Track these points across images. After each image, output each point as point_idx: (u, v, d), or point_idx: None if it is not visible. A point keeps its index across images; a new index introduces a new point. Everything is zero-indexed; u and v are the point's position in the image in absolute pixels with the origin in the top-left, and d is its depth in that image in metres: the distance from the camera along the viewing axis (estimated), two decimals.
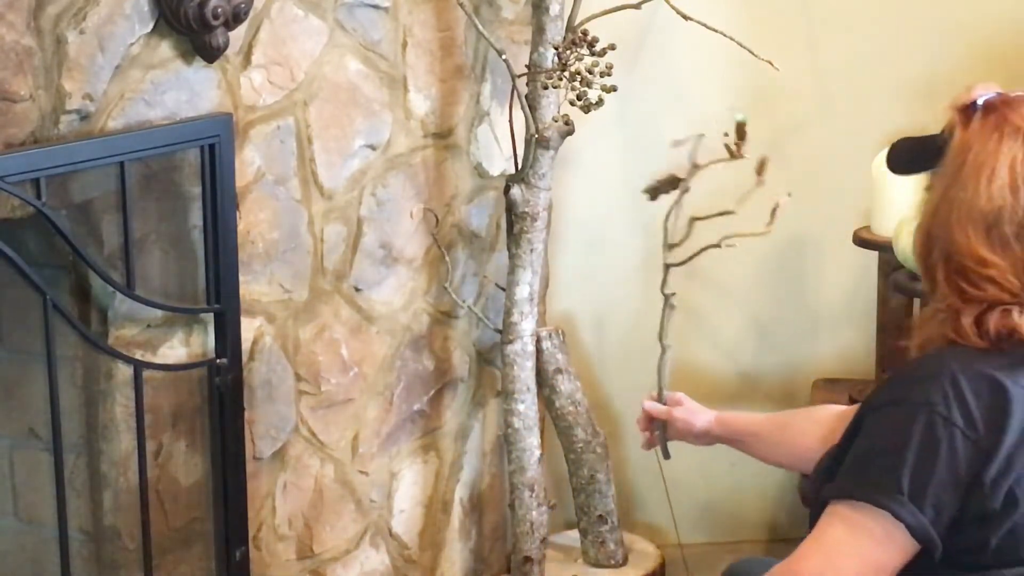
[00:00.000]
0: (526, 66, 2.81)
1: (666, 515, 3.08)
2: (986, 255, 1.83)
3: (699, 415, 2.52)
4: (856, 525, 1.78)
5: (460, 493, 3.06)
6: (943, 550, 1.78)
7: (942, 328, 1.86)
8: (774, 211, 2.79)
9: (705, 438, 2.52)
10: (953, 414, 1.77)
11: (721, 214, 2.75)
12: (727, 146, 2.75)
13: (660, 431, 2.57)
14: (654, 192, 2.77)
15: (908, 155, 1.99)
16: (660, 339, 2.84)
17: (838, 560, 1.79)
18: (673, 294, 2.85)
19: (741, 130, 2.76)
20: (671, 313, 2.84)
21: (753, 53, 2.74)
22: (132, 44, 2.14)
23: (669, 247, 2.83)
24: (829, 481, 1.88)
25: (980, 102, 1.87)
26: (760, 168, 2.81)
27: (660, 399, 2.61)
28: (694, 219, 2.79)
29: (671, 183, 2.79)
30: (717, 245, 2.77)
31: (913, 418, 1.78)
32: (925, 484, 1.76)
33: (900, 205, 2.77)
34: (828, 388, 3.23)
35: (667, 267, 2.82)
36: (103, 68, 2.10)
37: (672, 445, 2.60)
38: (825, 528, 1.81)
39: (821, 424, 2.27)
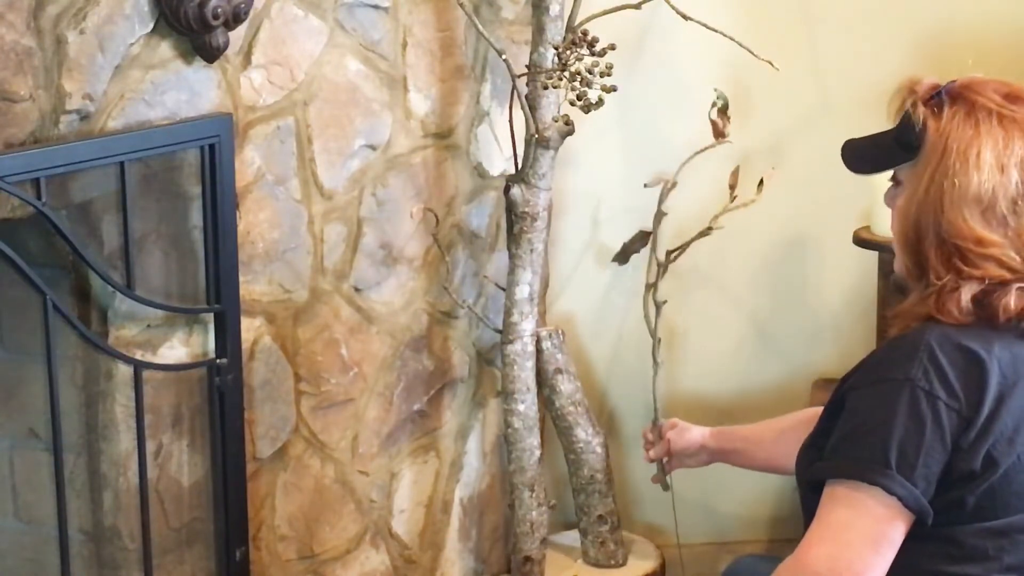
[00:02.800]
0: (526, 66, 2.81)
1: (666, 515, 3.07)
2: (984, 235, 1.91)
3: (691, 434, 2.61)
4: (855, 504, 1.84)
5: (460, 493, 3.06)
6: None
7: (923, 307, 1.94)
8: (760, 183, 2.83)
9: (701, 454, 2.60)
10: (935, 387, 1.85)
11: (700, 235, 2.80)
12: (713, 122, 2.79)
13: (660, 466, 2.71)
14: (624, 256, 2.83)
15: (872, 153, 2.07)
16: (653, 355, 2.93)
17: (845, 541, 1.84)
18: (664, 302, 2.91)
19: (723, 112, 2.79)
20: (659, 343, 2.95)
21: (753, 53, 2.74)
22: (132, 44, 2.14)
23: (659, 266, 2.93)
24: (815, 460, 1.94)
25: (944, 91, 1.97)
26: (759, 187, 2.83)
27: (655, 424, 2.77)
28: (670, 252, 2.86)
29: (640, 240, 2.84)
30: (708, 231, 2.81)
31: (897, 394, 1.86)
32: (914, 457, 1.83)
33: None
34: (828, 388, 3.20)
35: (651, 286, 2.88)
36: (103, 68, 2.10)
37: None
38: (826, 513, 1.87)
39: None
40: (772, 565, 2.22)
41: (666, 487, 2.80)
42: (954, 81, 2.01)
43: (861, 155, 2.10)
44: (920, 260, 1.96)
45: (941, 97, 1.98)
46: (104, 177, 2.16)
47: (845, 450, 1.89)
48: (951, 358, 1.87)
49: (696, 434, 2.61)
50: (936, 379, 1.85)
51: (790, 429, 2.42)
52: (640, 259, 3.30)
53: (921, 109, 1.98)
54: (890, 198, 2.06)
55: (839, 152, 2.13)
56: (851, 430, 1.90)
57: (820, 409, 2.34)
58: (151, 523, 2.30)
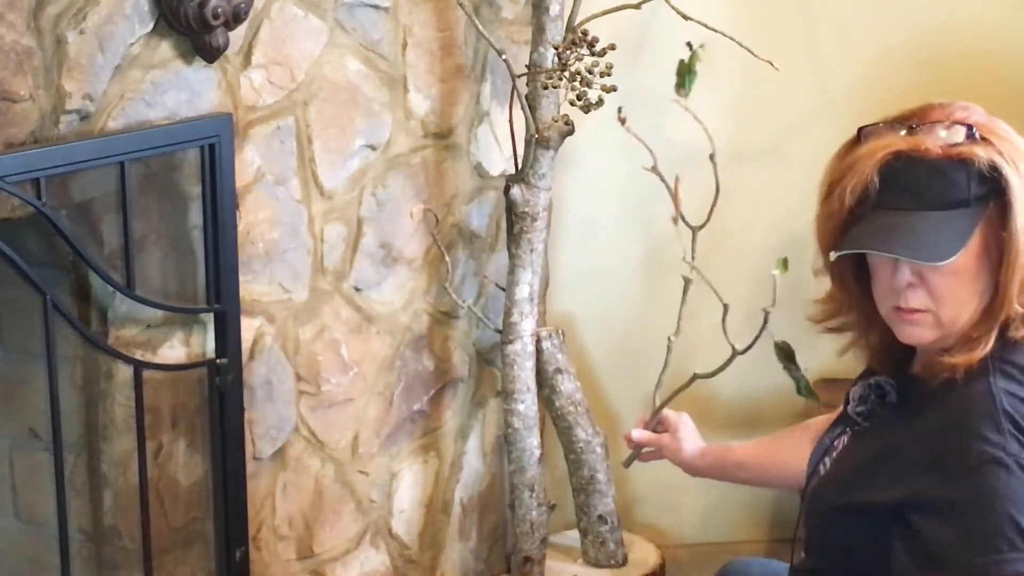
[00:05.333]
0: (526, 66, 2.81)
1: (666, 515, 3.08)
2: None
3: (686, 445, 2.52)
4: None
5: (460, 493, 3.06)
6: None
7: (972, 354, 1.86)
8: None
9: (691, 469, 2.54)
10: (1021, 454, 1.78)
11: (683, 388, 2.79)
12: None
13: (636, 451, 2.66)
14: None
15: (948, 227, 1.85)
16: (669, 338, 2.85)
17: None
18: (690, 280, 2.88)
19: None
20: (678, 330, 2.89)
21: (753, 53, 2.74)
22: (132, 44, 2.14)
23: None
24: (860, 486, 1.87)
25: (971, 127, 1.86)
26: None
27: (654, 418, 2.64)
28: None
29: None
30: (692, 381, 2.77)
31: (995, 476, 1.77)
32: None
33: None
34: (828, 388, 3.22)
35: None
36: (103, 68, 2.10)
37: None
38: None
39: (814, 431, 2.26)
40: (762, 569, 2.23)
41: (627, 465, 2.74)
42: (922, 122, 1.89)
43: (933, 241, 1.84)
44: (995, 310, 1.87)
45: (975, 134, 1.85)
46: (104, 177, 2.16)
47: (964, 548, 1.78)
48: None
49: (687, 451, 2.52)
50: (1015, 443, 1.78)
51: (787, 445, 2.38)
52: (641, 259, 3.30)
53: (980, 152, 1.83)
54: (918, 275, 1.88)
55: (885, 251, 1.88)
56: (963, 530, 1.78)
57: (820, 419, 2.33)
58: (151, 523, 2.30)
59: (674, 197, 2.88)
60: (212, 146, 2.27)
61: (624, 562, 3.12)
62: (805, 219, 3.24)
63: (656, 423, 2.64)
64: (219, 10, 2.18)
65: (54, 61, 2.03)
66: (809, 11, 3.18)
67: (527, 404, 2.91)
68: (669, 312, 3.18)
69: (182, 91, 2.24)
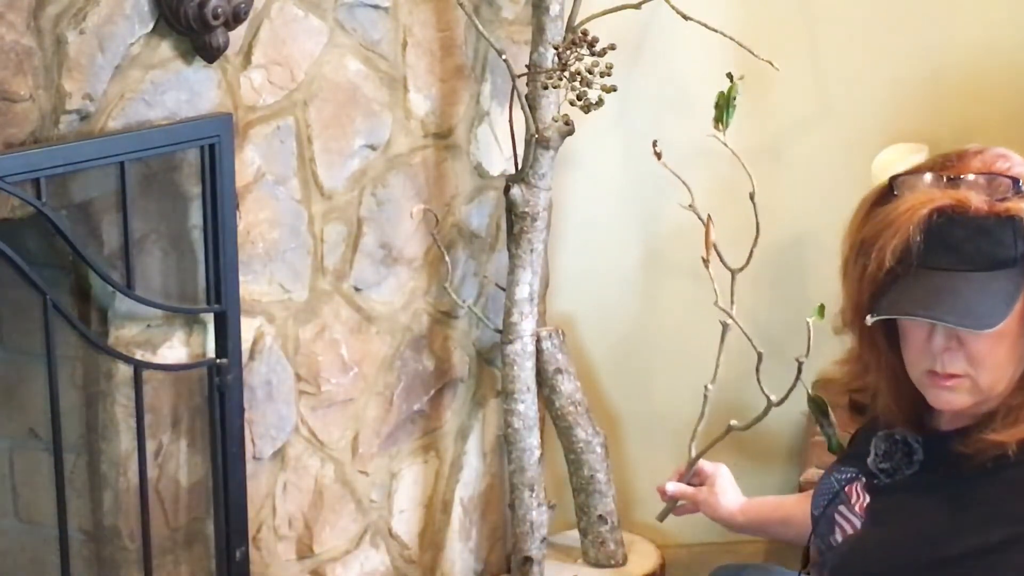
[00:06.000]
0: (526, 66, 2.81)
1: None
2: None
3: (724, 499, 2.34)
4: None
5: (460, 493, 3.06)
6: None
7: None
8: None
9: (730, 525, 2.36)
10: None
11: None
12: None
13: (671, 504, 2.45)
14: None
15: (996, 290, 1.75)
16: (706, 387, 2.73)
17: None
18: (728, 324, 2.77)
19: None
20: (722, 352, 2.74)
21: (753, 53, 2.74)
22: (132, 44, 2.14)
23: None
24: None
25: (1020, 183, 1.76)
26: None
27: (690, 470, 2.42)
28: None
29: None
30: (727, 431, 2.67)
31: None
32: None
33: None
34: (828, 388, 3.22)
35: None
36: (103, 68, 2.10)
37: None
38: None
39: None
40: (758, 573, 2.20)
41: (661, 519, 2.53)
42: (959, 174, 1.79)
43: (978, 305, 1.74)
44: None
45: (1020, 187, 1.76)
46: (104, 177, 2.16)
47: None
48: None
49: (726, 506, 2.33)
50: None
51: None
52: (641, 259, 3.30)
53: (1013, 203, 1.74)
54: (956, 339, 1.79)
55: (932, 318, 1.76)
56: None
57: None
58: (151, 523, 2.30)
59: (706, 237, 2.72)
60: (212, 146, 2.27)
61: (624, 562, 3.12)
62: (804, 219, 3.24)
63: (692, 475, 2.43)
64: (219, 10, 2.18)
65: (54, 61, 2.03)
66: (809, 11, 3.18)
67: (527, 404, 2.91)
68: (669, 312, 3.19)
69: (182, 91, 2.24)
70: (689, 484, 2.41)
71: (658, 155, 2.73)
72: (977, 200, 1.74)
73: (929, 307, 1.74)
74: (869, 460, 1.94)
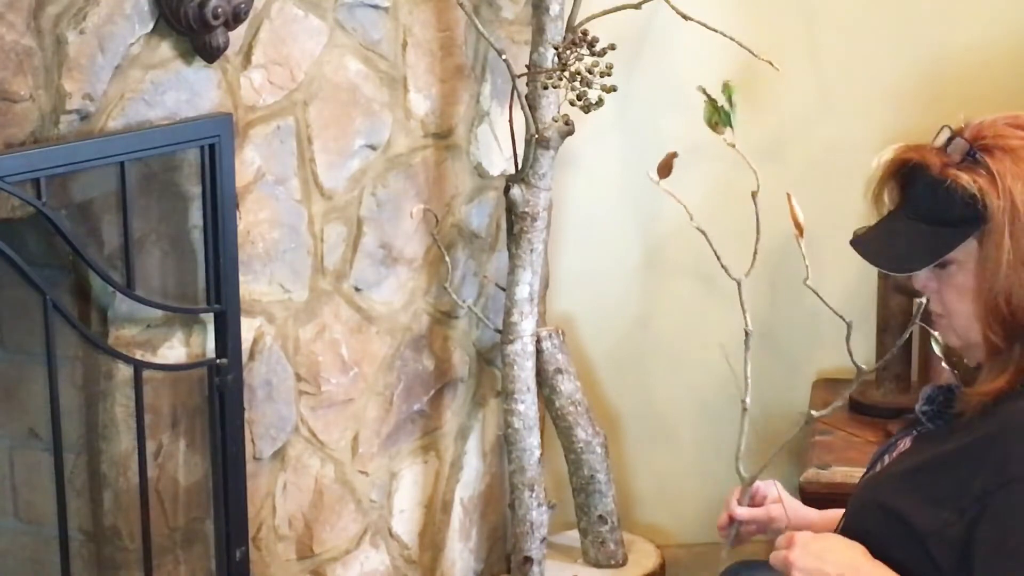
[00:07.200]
0: (526, 66, 2.81)
1: (666, 515, 3.08)
2: None
3: (801, 510, 2.30)
4: None
5: (460, 493, 3.06)
6: None
7: (1007, 379, 1.84)
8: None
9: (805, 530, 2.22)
10: None
11: None
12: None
13: (735, 529, 2.31)
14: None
15: (922, 243, 1.87)
16: (743, 401, 2.64)
17: None
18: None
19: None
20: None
21: (753, 53, 2.74)
22: (132, 44, 2.14)
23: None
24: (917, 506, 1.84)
25: (974, 149, 1.83)
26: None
27: (746, 493, 2.31)
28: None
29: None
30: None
31: None
32: None
33: None
34: (828, 388, 3.22)
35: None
36: (103, 68, 2.10)
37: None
38: None
39: None
40: (763, 573, 2.19)
41: (732, 546, 2.36)
42: (958, 134, 1.87)
43: (907, 251, 1.89)
44: (1013, 330, 1.84)
45: (975, 155, 1.83)
46: (104, 177, 2.16)
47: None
48: None
49: (807, 515, 2.27)
50: None
51: None
52: (641, 259, 3.30)
53: (964, 176, 1.82)
54: (935, 281, 1.90)
55: (862, 254, 1.93)
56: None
57: None
58: (151, 523, 2.30)
59: (792, 214, 2.67)
60: (212, 146, 2.27)
61: (624, 562, 3.12)
62: (804, 218, 3.23)
63: (750, 495, 2.32)
64: (219, 10, 2.18)
65: (54, 61, 2.03)
66: (809, 11, 3.18)
67: (527, 404, 2.91)
68: (669, 312, 3.18)
69: (182, 91, 2.24)
70: (751, 505, 2.33)
71: (656, 181, 2.75)
72: (935, 159, 1.86)
73: (868, 243, 1.93)
74: (916, 405, 2.02)
